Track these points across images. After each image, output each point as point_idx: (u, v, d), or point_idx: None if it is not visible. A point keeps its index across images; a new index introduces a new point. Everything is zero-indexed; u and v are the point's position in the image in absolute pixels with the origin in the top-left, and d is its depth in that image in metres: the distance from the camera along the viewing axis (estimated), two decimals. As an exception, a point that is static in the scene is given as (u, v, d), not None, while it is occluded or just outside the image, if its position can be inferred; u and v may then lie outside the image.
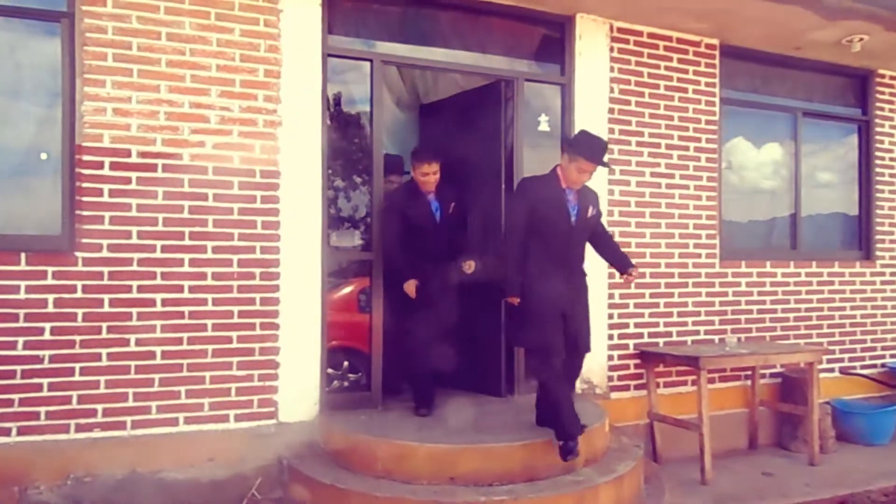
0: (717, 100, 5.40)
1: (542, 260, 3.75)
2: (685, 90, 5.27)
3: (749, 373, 5.40)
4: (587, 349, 3.92)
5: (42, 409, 3.60)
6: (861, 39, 5.30)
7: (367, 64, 4.46)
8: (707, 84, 5.36)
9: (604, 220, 4.91)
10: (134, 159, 3.78)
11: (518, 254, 3.74)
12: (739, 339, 5.30)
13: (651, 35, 5.14)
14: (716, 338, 5.29)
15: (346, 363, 5.43)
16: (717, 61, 5.39)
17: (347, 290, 5.66)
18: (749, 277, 5.54)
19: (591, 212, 3.88)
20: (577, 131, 4.17)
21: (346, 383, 5.15)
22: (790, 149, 5.93)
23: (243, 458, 3.92)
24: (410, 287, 4.25)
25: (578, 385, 4.81)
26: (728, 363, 4.91)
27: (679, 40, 5.24)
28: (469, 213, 4.55)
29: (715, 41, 5.36)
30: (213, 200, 3.93)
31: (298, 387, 4.10)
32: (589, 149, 3.72)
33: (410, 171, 4.51)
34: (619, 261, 4.07)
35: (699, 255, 5.33)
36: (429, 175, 4.30)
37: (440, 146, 5.38)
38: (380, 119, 4.49)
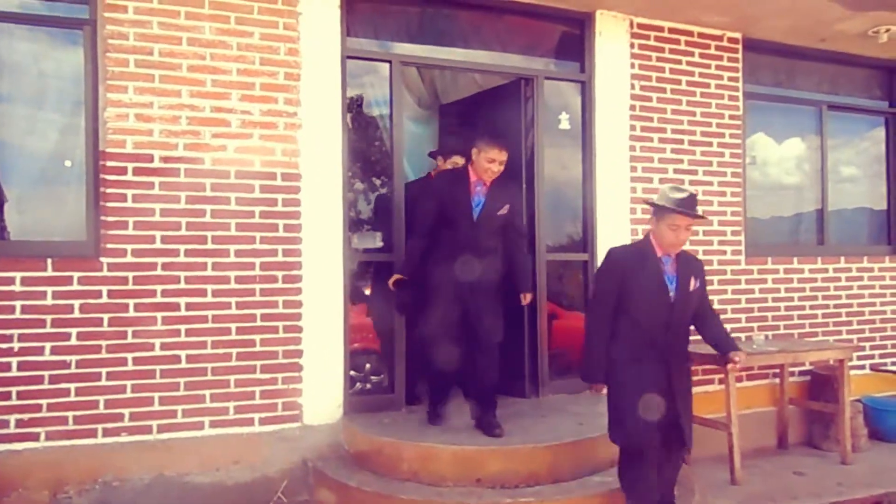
0: (740, 94, 5.32)
1: (633, 343, 3.22)
2: (707, 85, 5.20)
3: (777, 371, 5.31)
4: (687, 447, 3.41)
5: (70, 414, 3.63)
6: (888, 30, 5.19)
7: (386, 65, 4.45)
8: (730, 79, 5.28)
9: (627, 218, 4.92)
10: (156, 164, 3.80)
11: (604, 335, 3.26)
12: (767, 336, 5.21)
13: (672, 30, 5.07)
14: (743, 335, 5.20)
15: (367, 365, 5.42)
16: (739, 55, 5.31)
17: (369, 292, 5.65)
18: (776, 274, 5.44)
19: (693, 284, 3.28)
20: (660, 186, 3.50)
21: (368, 385, 5.13)
22: (815, 143, 5.83)
23: (268, 460, 3.92)
24: (392, 280, 4.08)
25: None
26: (756, 361, 4.82)
27: (701, 35, 5.16)
28: (517, 225, 4.14)
29: (738, 35, 5.27)
30: (235, 204, 3.94)
31: (322, 389, 4.10)
32: (678, 200, 3.16)
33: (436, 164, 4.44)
34: (722, 343, 3.44)
35: (724, 252, 5.25)
36: (494, 163, 3.91)
37: (458, 146, 5.37)
38: (399, 120, 4.48)
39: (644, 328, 3.20)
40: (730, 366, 3.47)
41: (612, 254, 3.32)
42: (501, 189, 4.01)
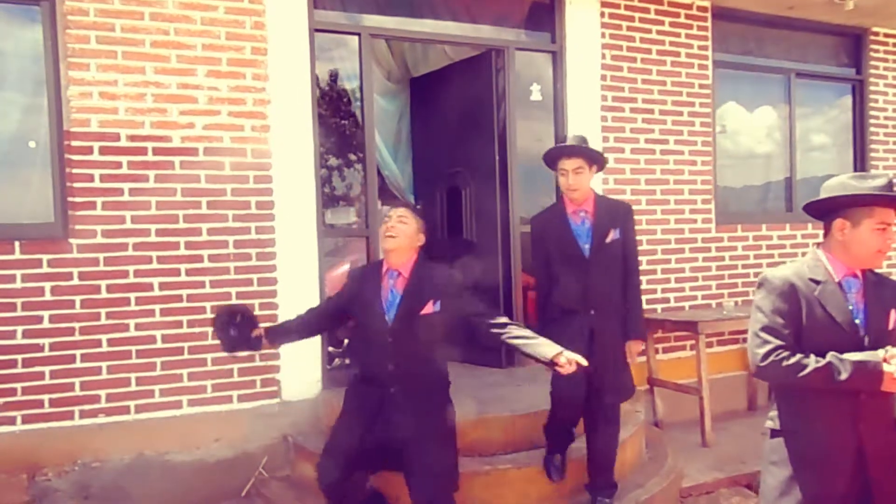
0: (709, 63, 5.35)
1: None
2: (678, 54, 5.22)
3: (747, 336, 5.43)
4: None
5: (45, 397, 3.61)
6: (854, -3, 5.24)
7: (356, 38, 4.40)
8: (700, 47, 5.30)
9: (600, 189, 4.95)
10: (123, 143, 3.74)
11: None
12: (737, 302, 5.32)
13: (642, -1, 5.07)
14: (713, 302, 5.32)
15: (346, 340, 5.44)
16: (709, 23, 5.33)
17: (344, 267, 5.65)
18: (745, 241, 5.55)
19: (893, 318, 2.22)
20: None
21: (347, 360, 5.17)
22: (784, 111, 5.90)
23: (248, 437, 3.95)
24: (565, 365, 2.78)
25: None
26: (726, 327, 4.94)
27: (670, 3, 5.17)
28: (629, 255, 3.41)
29: (707, 3, 5.29)
30: (205, 182, 3.90)
31: (300, 365, 4.11)
32: (882, 186, 2.13)
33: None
34: None
35: (695, 221, 5.33)
36: (567, 175, 3.25)
37: (432, 120, 5.35)
38: (370, 94, 4.44)
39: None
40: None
41: (777, 283, 2.17)
42: (607, 211, 3.36)
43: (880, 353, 2.05)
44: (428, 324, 2.89)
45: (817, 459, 2.12)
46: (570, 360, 2.71)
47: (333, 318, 3.23)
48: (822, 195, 2.21)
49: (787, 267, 2.25)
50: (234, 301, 3.80)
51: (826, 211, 2.21)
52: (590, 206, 3.34)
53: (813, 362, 2.06)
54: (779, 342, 2.11)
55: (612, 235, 3.30)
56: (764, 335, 2.14)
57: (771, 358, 2.11)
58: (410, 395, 2.87)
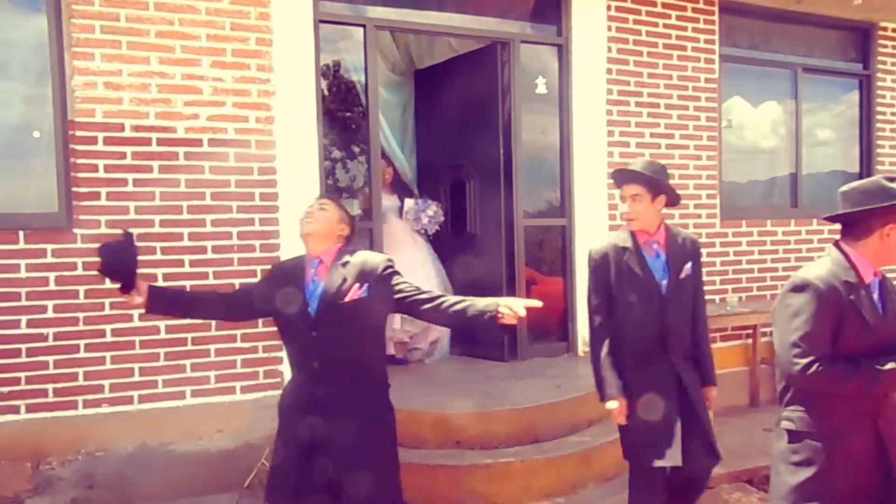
0: (716, 57, 5.32)
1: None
2: (684, 48, 5.19)
3: (750, 331, 5.43)
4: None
5: (49, 387, 3.62)
6: (862, -9, 5.21)
7: (360, 30, 4.39)
8: (706, 41, 5.27)
9: (605, 182, 4.93)
10: (128, 133, 3.73)
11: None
12: (740, 298, 5.32)
13: (649, -8, 5.05)
14: (717, 297, 5.30)
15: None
16: (716, 17, 5.30)
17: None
18: (750, 237, 5.53)
19: None
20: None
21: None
22: (790, 106, 5.87)
23: (251, 428, 3.96)
24: (616, 412, 2.86)
25: (580, 348, 4.85)
26: (729, 322, 4.93)
27: (677, -4, 5.15)
28: (699, 292, 3.05)
29: (714, -3, 5.27)
30: (210, 173, 3.90)
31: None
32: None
33: None
34: None
35: (699, 216, 5.31)
36: (626, 201, 2.94)
37: (436, 113, 5.33)
38: (374, 86, 4.43)
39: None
40: None
41: (822, 288, 2.14)
42: (679, 243, 2.97)
43: None
44: (356, 311, 2.53)
45: (846, 458, 2.15)
46: (511, 308, 2.40)
47: (249, 306, 2.73)
48: (867, 203, 2.19)
49: (820, 268, 2.20)
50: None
51: (859, 215, 2.22)
52: (661, 238, 2.95)
53: (853, 373, 2.09)
54: (820, 352, 2.11)
55: (686, 271, 2.95)
56: (804, 345, 2.12)
57: (812, 370, 2.10)
58: (340, 397, 2.49)
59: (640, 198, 2.89)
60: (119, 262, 2.53)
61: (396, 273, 2.64)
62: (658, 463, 2.77)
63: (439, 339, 5.06)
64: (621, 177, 2.97)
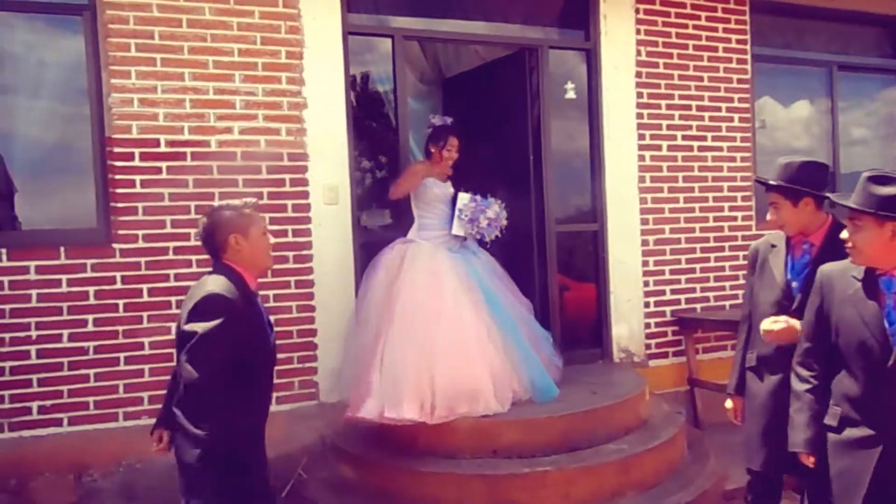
0: (748, 57, 5.23)
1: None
2: (715, 49, 5.11)
3: (791, 335, 5.30)
4: None
5: (90, 399, 3.69)
6: (899, -16, 5.09)
7: (388, 41, 4.41)
8: (738, 41, 5.19)
9: (636, 186, 4.87)
10: (163, 149, 3.80)
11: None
12: (779, 301, 5.19)
13: (677, -7, 4.99)
14: (755, 301, 5.19)
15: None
16: (747, 17, 5.21)
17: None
18: (787, 238, 5.41)
19: None
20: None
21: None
22: (825, 105, 5.74)
23: (287, 439, 3.97)
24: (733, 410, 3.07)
25: (616, 354, 4.79)
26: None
27: (707, -3, 5.08)
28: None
29: (744, -4, 5.19)
30: (243, 186, 3.94)
31: (336, 367, 4.12)
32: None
33: None
34: None
35: (735, 218, 5.21)
36: (771, 208, 2.80)
37: (465, 121, 5.31)
38: (403, 96, 4.45)
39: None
40: None
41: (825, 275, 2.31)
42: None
43: None
44: None
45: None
46: None
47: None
48: None
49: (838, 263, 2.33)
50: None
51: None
52: (818, 238, 2.73)
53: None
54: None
55: None
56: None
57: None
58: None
59: (778, 205, 2.78)
60: None
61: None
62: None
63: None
64: (762, 185, 2.88)
